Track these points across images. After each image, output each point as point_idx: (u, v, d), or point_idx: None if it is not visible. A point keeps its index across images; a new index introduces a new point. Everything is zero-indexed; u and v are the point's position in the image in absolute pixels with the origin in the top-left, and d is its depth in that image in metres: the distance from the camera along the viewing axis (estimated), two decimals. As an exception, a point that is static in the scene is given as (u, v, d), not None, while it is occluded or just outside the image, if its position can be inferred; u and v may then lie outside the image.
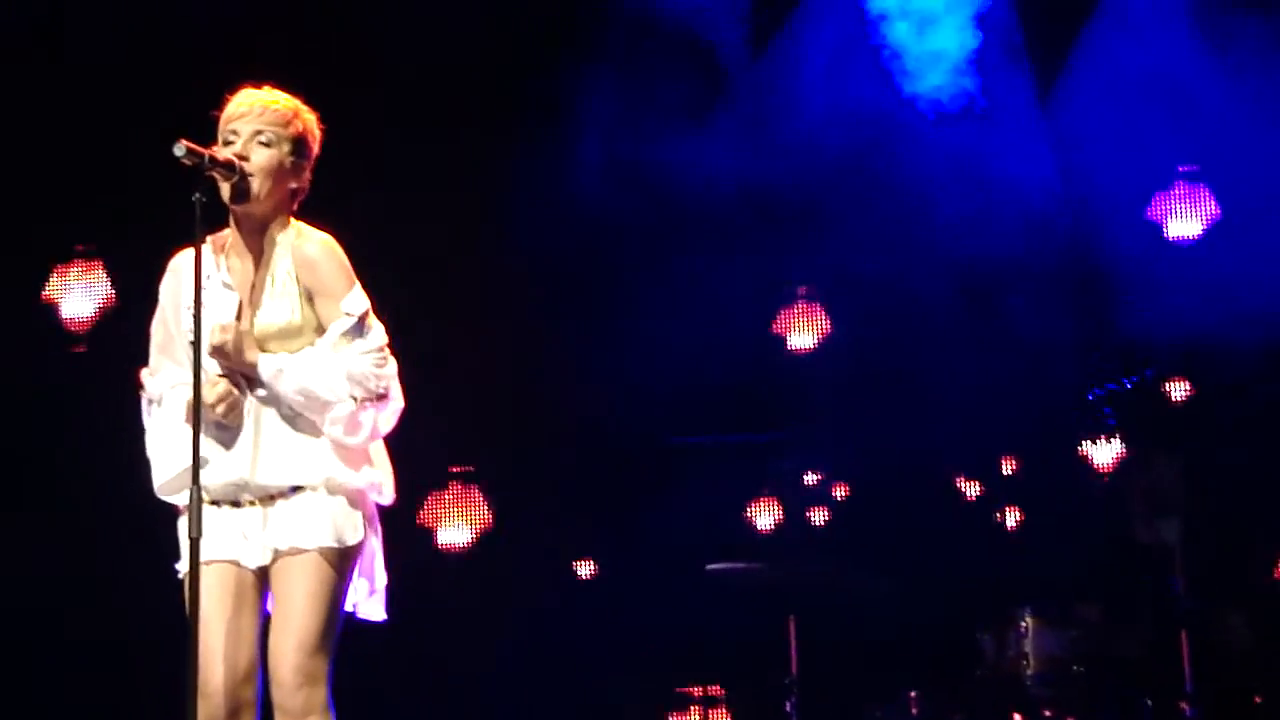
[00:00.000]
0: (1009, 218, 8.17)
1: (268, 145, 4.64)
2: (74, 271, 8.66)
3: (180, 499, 4.61)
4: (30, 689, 8.06)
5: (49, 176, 8.29)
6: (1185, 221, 8.49)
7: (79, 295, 8.65)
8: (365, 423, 4.61)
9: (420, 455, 7.81)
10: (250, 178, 4.58)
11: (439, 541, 8.72)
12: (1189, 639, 7.62)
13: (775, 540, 8.52)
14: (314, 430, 4.64)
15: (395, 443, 4.75)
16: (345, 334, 4.61)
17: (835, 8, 8.30)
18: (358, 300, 4.62)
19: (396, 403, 4.67)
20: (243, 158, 4.58)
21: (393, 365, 4.66)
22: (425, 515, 8.76)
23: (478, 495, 8.70)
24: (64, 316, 8.66)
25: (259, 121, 4.65)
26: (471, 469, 8.73)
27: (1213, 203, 8.49)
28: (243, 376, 4.61)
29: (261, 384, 4.61)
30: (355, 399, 4.59)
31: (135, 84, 7.80)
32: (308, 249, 4.67)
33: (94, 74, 8.10)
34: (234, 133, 4.65)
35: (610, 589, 8.52)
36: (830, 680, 7.61)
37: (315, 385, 4.58)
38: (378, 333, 4.66)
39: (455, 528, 8.67)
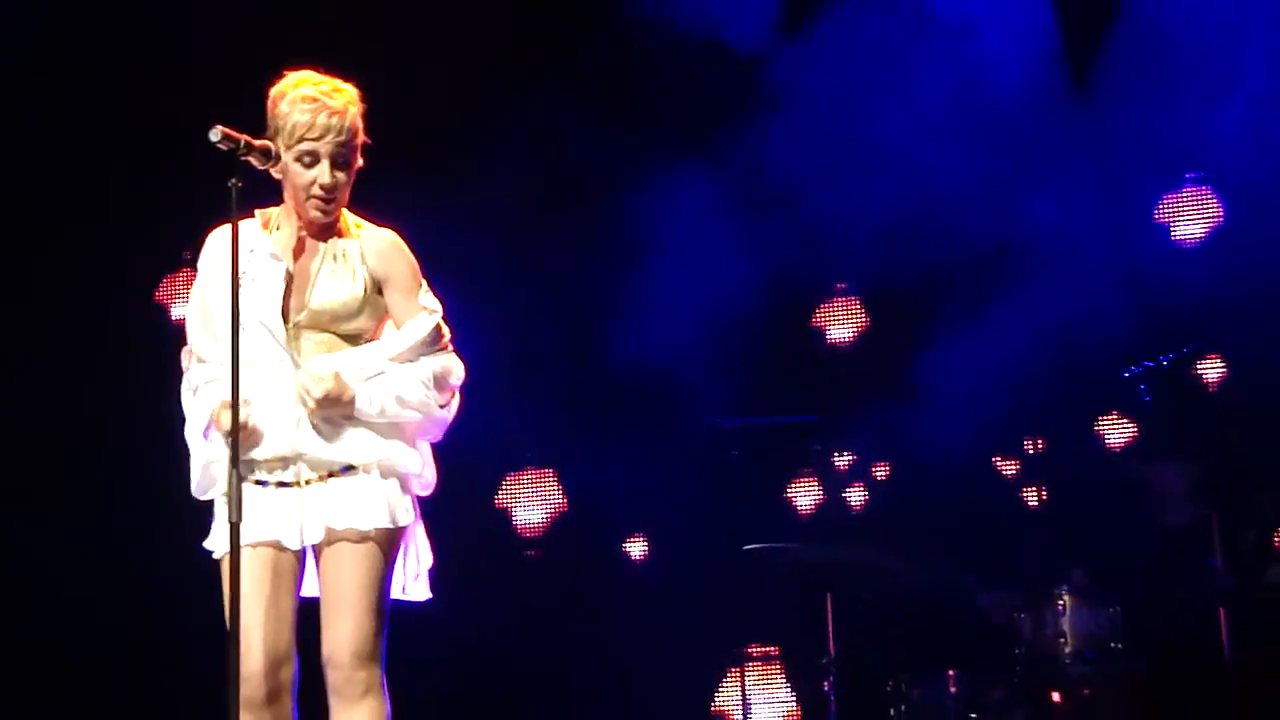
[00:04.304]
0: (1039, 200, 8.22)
1: (346, 165, 4.69)
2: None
3: (215, 493, 4.70)
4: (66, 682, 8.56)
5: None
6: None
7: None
8: (450, 418, 4.77)
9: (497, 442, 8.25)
10: (335, 201, 4.68)
11: (516, 522, 9.15)
12: (1227, 615, 7.61)
13: (815, 520, 8.69)
14: None
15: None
16: (430, 331, 4.70)
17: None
18: (433, 299, 4.77)
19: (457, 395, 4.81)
20: (330, 188, 4.65)
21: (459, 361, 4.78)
22: (502, 497, 9.18)
23: (550, 478, 9.09)
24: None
25: (334, 143, 4.67)
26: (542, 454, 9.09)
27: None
28: (291, 353, 4.61)
29: (363, 418, 4.62)
30: (443, 406, 4.72)
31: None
32: (382, 238, 4.76)
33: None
34: (311, 154, 4.67)
35: (662, 568, 8.79)
36: (867, 659, 7.75)
37: (415, 406, 4.66)
38: (445, 328, 4.77)
39: (528, 509, 9.08)
